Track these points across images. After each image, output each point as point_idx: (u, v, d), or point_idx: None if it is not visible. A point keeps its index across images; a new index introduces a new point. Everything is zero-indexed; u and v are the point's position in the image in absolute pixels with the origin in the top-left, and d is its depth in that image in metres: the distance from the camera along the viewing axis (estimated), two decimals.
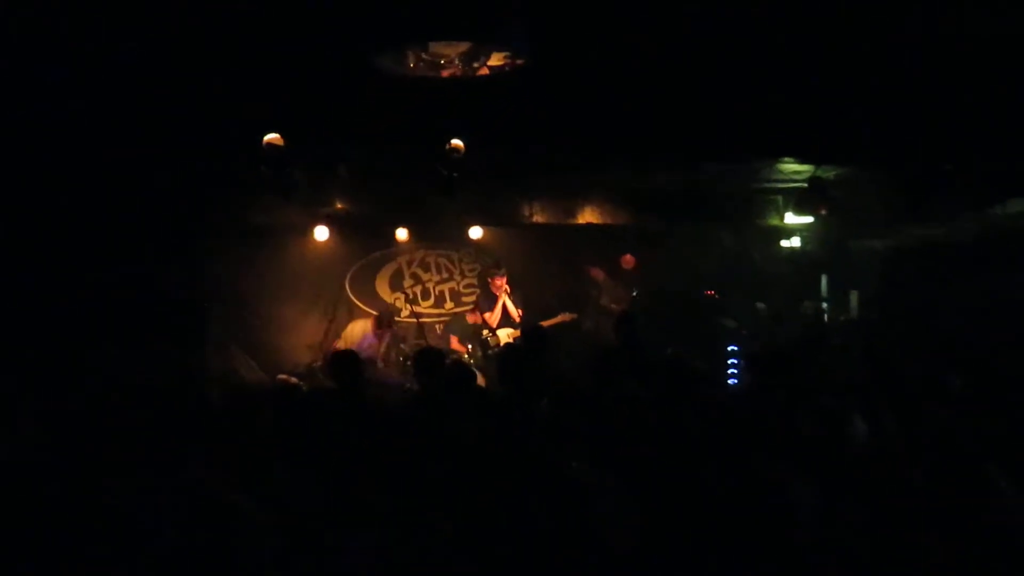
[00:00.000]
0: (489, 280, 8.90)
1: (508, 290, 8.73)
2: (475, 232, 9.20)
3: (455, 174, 5.71)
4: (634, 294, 9.16)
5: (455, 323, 9.42)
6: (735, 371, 8.76)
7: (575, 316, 8.90)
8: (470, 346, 8.79)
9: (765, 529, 2.43)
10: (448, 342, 9.03)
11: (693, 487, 2.76)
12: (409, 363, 8.40)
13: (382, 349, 8.50)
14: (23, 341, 6.57)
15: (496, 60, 4.43)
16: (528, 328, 7.21)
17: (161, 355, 7.16)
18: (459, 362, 7.70)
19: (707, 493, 2.67)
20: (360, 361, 5.02)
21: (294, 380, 8.31)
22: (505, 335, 8.73)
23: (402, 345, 8.92)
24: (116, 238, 7.26)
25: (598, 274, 9.28)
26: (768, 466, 2.68)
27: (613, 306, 8.98)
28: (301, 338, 9.17)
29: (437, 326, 9.80)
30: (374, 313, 9.37)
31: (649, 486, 2.91)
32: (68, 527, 3.03)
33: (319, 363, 8.52)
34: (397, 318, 9.80)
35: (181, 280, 7.85)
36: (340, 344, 8.78)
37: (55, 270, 6.99)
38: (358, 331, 9.12)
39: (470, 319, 9.08)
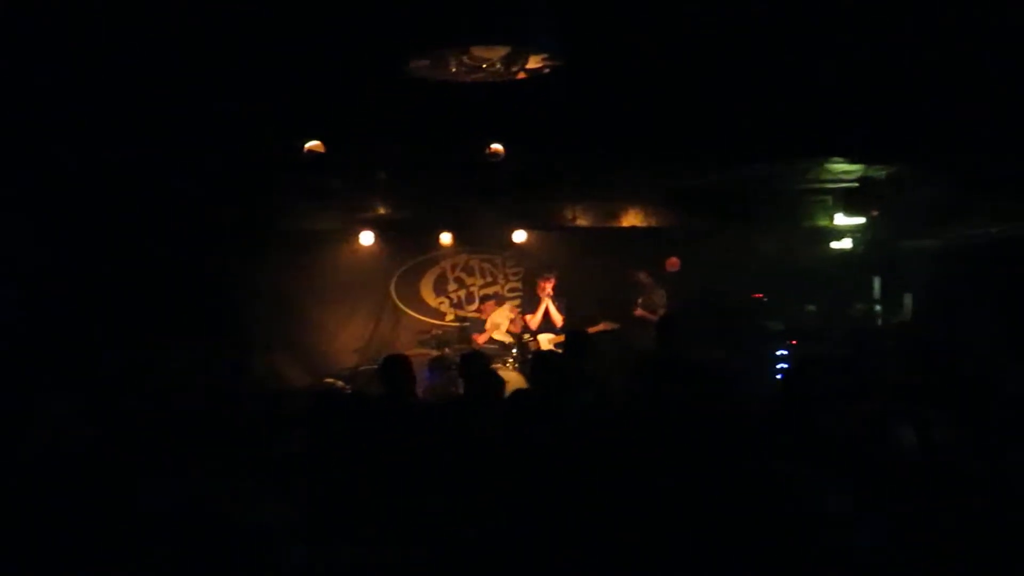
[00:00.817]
0: (537, 281, 8.89)
1: (551, 294, 8.70)
2: (518, 236, 9.21)
3: (495, 179, 5.72)
4: (665, 302, 8.99)
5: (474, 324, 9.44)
6: (782, 375, 8.61)
7: (617, 326, 8.77)
8: (514, 351, 8.78)
9: (795, 535, 2.39)
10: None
11: (727, 491, 2.73)
12: (453, 367, 8.46)
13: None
14: (72, 339, 6.77)
15: (535, 63, 4.43)
16: (571, 332, 7.18)
17: (207, 357, 7.32)
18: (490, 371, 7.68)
19: (740, 498, 2.63)
20: (410, 366, 5.05)
21: (339, 384, 8.41)
22: (546, 340, 8.71)
23: (447, 350, 8.95)
24: (166, 242, 7.45)
25: (641, 277, 9.19)
26: (802, 472, 2.63)
27: (654, 311, 8.87)
28: (346, 342, 9.28)
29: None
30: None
31: (684, 490, 2.88)
32: (105, 521, 3.11)
33: (363, 367, 8.61)
34: (440, 321, 9.87)
35: (228, 284, 8.02)
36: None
37: (106, 271, 7.19)
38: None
39: (510, 316, 9.06)
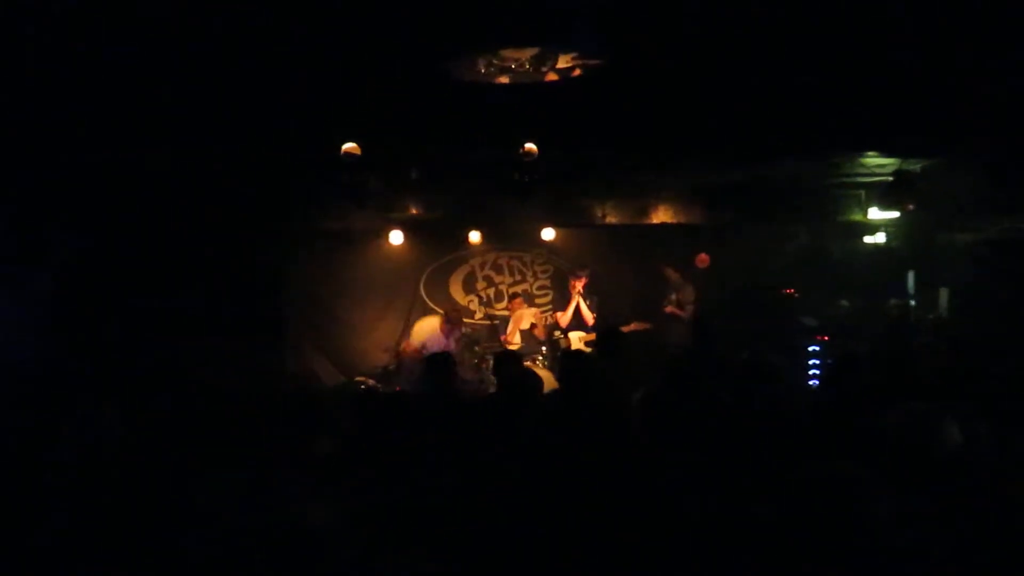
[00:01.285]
0: (569, 279, 8.91)
1: (582, 292, 8.71)
2: (547, 233, 9.22)
3: (528, 178, 5.74)
4: (694, 298, 8.95)
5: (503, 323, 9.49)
6: (816, 372, 8.55)
7: (649, 326, 8.77)
8: (544, 348, 8.81)
9: (840, 537, 2.38)
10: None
11: (768, 491, 2.73)
12: (483, 365, 8.52)
13: (452, 346, 8.61)
14: (110, 339, 6.90)
15: (565, 63, 4.45)
16: (603, 330, 7.18)
17: (241, 355, 7.42)
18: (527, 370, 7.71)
19: (782, 498, 2.63)
20: (454, 364, 5.10)
21: (371, 382, 8.49)
22: (576, 338, 8.73)
23: (476, 347, 9.01)
24: (203, 242, 7.57)
25: (671, 273, 9.17)
26: (847, 473, 2.62)
27: (684, 307, 8.85)
28: (377, 341, 9.37)
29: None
30: (440, 311, 9.47)
31: (725, 489, 2.89)
32: (144, 520, 3.17)
33: (393, 365, 8.69)
34: (469, 319, 9.92)
35: (261, 283, 8.14)
36: (410, 343, 8.85)
37: (141, 269, 7.32)
38: (427, 329, 9.16)
39: (533, 320, 9.09)
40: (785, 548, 2.36)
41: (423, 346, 8.44)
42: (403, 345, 8.86)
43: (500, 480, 3.39)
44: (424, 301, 9.89)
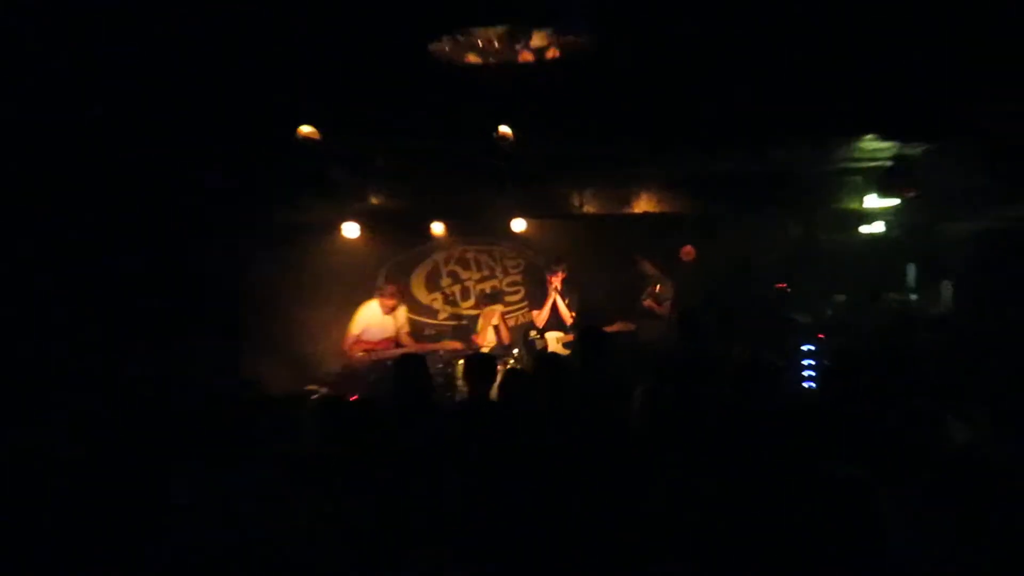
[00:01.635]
0: (546, 276, 9.00)
1: (560, 288, 8.82)
2: (518, 224, 9.32)
3: (503, 165, 5.85)
4: (672, 295, 9.11)
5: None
6: (811, 372, 8.79)
7: (634, 327, 8.89)
8: (516, 350, 8.94)
9: (843, 538, 2.56)
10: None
11: (770, 494, 2.90)
12: (450, 371, 8.61)
13: (400, 323, 8.70)
14: (55, 340, 6.89)
15: (541, 41, 4.59)
16: (582, 329, 7.31)
17: (188, 360, 7.44)
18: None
19: (786, 500, 2.80)
20: (424, 366, 5.17)
21: (323, 390, 8.53)
22: (554, 340, 8.85)
23: (440, 352, 9.08)
24: (143, 235, 7.53)
25: (647, 267, 9.30)
26: (850, 475, 2.80)
27: (662, 303, 8.98)
28: (331, 345, 9.37)
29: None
30: (411, 316, 9.54)
31: (724, 494, 3.06)
32: (89, 523, 3.28)
33: (346, 370, 8.72)
34: (433, 320, 10.04)
35: (211, 280, 8.15)
36: (354, 333, 8.73)
37: (80, 268, 7.28)
38: (366, 315, 8.84)
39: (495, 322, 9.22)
40: (789, 550, 2.54)
41: (364, 331, 8.51)
42: (347, 343, 8.70)
43: (489, 496, 3.53)
44: None
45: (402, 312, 8.91)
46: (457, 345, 8.97)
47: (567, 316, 8.86)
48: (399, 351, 8.60)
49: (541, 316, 8.91)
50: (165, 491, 3.53)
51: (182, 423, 4.71)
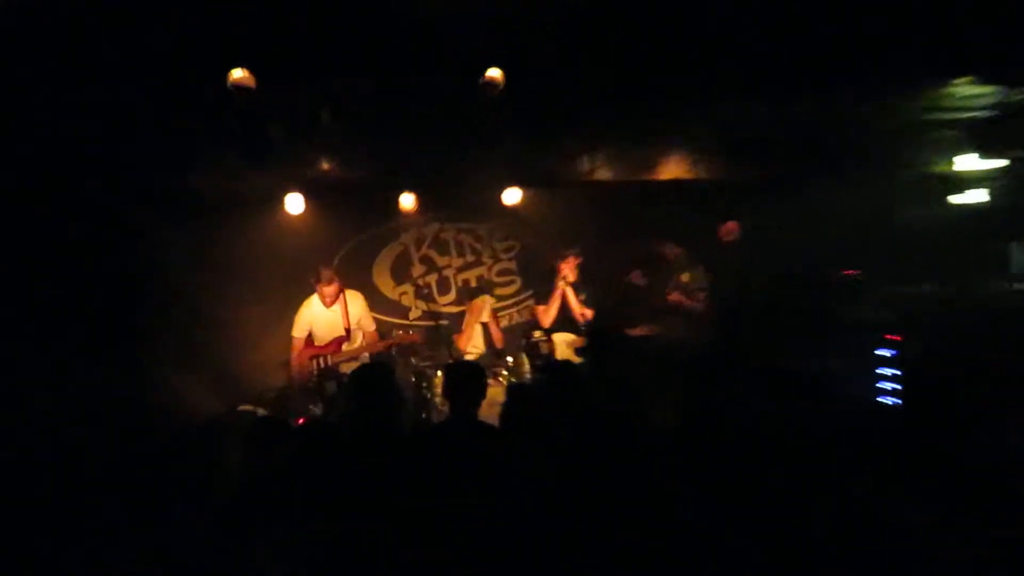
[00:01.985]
0: (554, 263, 8.98)
1: (567, 277, 8.81)
2: (511, 196, 9.29)
3: (493, 117, 5.81)
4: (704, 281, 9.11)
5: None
6: (888, 384, 8.78)
7: (657, 330, 8.85)
8: (509, 358, 8.90)
9: None
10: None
11: (827, 535, 2.89)
12: (425, 384, 8.58)
13: (357, 313, 8.75)
14: None
15: None
16: (593, 330, 7.28)
17: (80, 380, 7.39)
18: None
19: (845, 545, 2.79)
20: (391, 377, 5.17)
21: (261, 411, 8.51)
22: (563, 343, 8.82)
23: (414, 359, 9.05)
24: (18, 213, 7.42)
25: (670, 251, 9.25)
26: (928, 513, 2.79)
27: (694, 295, 8.96)
28: (271, 353, 9.36)
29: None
30: (374, 314, 9.45)
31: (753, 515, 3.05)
32: None
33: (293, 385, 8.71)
34: (404, 320, 10.00)
35: (108, 275, 8.06)
36: (297, 338, 8.76)
37: None
38: (308, 313, 8.88)
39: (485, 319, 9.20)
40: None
41: (310, 334, 8.55)
42: (294, 353, 8.77)
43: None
44: None
45: (355, 299, 8.88)
46: (414, 338, 8.95)
47: (579, 314, 8.85)
48: (354, 349, 8.62)
49: (548, 313, 8.90)
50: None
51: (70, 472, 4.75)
